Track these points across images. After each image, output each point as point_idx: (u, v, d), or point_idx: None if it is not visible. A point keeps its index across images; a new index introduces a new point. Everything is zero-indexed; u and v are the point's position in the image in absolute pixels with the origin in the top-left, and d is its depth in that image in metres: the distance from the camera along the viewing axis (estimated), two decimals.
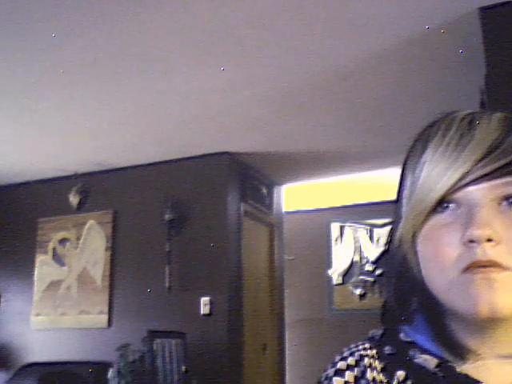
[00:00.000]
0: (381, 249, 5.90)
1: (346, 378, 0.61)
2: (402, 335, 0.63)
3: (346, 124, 4.29)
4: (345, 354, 0.64)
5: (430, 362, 0.59)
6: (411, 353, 0.61)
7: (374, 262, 5.92)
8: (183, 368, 4.07)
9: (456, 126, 0.59)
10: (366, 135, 4.51)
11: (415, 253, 0.61)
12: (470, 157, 0.56)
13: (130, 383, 3.93)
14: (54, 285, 5.13)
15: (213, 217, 4.68)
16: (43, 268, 5.22)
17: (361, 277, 5.96)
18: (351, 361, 0.63)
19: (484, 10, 2.73)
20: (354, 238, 6.08)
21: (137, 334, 4.25)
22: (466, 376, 0.58)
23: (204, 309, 4.50)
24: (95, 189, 5.20)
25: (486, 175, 0.56)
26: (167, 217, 4.67)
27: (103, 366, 4.36)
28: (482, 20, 2.73)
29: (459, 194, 0.57)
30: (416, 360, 0.60)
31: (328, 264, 6.09)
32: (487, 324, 0.56)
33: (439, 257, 0.57)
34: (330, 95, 3.79)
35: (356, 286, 5.96)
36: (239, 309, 4.68)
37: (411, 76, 3.51)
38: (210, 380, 4.27)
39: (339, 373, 0.62)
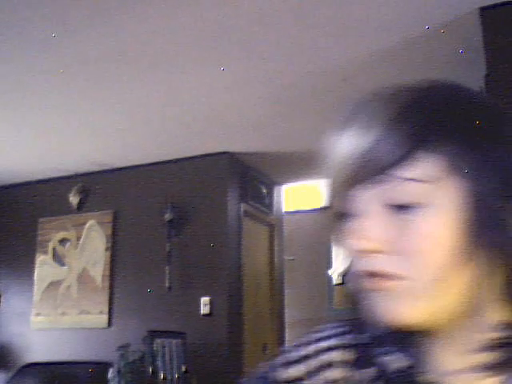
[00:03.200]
0: None
1: (298, 372, 0.58)
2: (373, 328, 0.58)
3: None
4: (307, 339, 0.60)
5: (393, 362, 0.55)
6: (380, 350, 0.56)
7: None
8: (183, 368, 4.07)
9: (352, 120, 0.54)
10: None
11: None
12: (348, 160, 0.51)
13: (130, 383, 3.93)
14: (54, 285, 5.13)
15: (213, 217, 4.68)
16: (43, 268, 5.22)
17: None
18: (307, 352, 0.59)
19: (484, 9, 2.73)
20: None
21: (137, 334, 4.25)
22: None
23: (204, 309, 4.50)
24: (95, 189, 5.20)
25: (365, 178, 0.50)
26: (167, 217, 4.67)
27: (103, 366, 4.36)
28: (482, 20, 2.74)
29: (347, 202, 0.51)
30: (381, 358, 0.55)
31: (328, 264, 6.09)
32: (425, 337, 0.52)
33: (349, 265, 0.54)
34: (330, 95, 3.79)
35: None
36: (239, 309, 4.68)
37: (411, 76, 3.50)
38: (209, 380, 4.27)
39: (292, 364, 0.59)
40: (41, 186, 5.44)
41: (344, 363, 0.57)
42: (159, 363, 3.97)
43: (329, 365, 0.57)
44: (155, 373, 3.94)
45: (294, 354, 0.59)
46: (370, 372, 0.55)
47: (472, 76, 3.21)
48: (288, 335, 5.67)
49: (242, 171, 5.00)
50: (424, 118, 0.49)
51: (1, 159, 4.97)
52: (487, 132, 0.50)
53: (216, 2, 2.76)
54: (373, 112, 0.52)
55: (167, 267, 4.64)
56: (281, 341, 5.43)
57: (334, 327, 0.61)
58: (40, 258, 5.26)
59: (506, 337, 0.49)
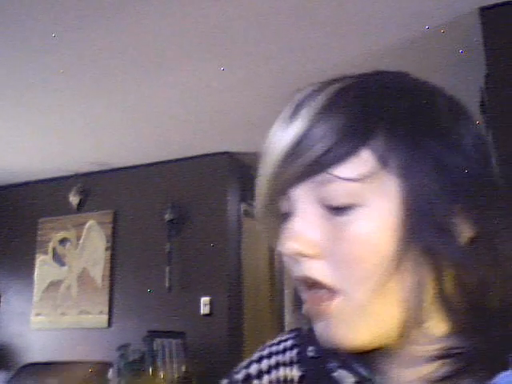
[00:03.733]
0: None
1: None
2: None
3: None
4: (264, 352, 0.57)
5: (346, 378, 0.51)
6: (330, 364, 0.52)
7: None
8: (183, 368, 4.07)
9: (286, 111, 0.51)
10: None
11: None
12: (279, 155, 0.48)
13: (130, 383, 3.93)
14: (53, 285, 5.13)
15: (213, 217, 4.68)
16: (43, 268, 5.22)
17: None
18: (266, 366, 0.56)
19: (484, 9, 2.73)
20: None
21: (137, 333, 4.25)
22: None
23: (204, 309, 4.50)
24: (95, 189, 5.20)
25: (300, 178, 0.46)
26: (167, 217, 4.66)
27: (103, 366, 4.36)
28: (482, 20, 2.74)
29: (282, 201, 0.48)
30: (334, 374, 0.51)
31: None
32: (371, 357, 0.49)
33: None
34: None
35: None
36: (239, 309, 4.68)
37: None
38: (209, 380, 4.27)
39: (247, 379, 0.56)
40: (41, 185, 5.44)
41: (293, 380, 0.54)
42: (159, 363, 3.97)
43: (282, 381, 0.55)
44: (155, 373, 3.94)
45: (253, 370, 0.56)
46: None
47: (472, 76, 3.22)
48: None
49: (242, 171, 4.99)
50: (356, 111, 0.46)
51: (1, 159, 4.97)
52: (428, 127, 0.46)
53: (216, 2, 2.76)
54: (306, 105, 0.49)
55: (167, 267, 4.64)
56: None
57: (281, 341, 0.58)
58: (40, 258, 5.25)
59: (449, 348, 0.46)
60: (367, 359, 0.50)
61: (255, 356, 0.58)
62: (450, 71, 3.40)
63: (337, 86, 0.49)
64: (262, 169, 0.52)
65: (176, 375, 4.03)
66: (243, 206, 4.92)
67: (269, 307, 5.32)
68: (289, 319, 5.72)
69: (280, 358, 0.56)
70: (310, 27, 2.98)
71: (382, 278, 0.44)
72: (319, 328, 0.47)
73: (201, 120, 4.19)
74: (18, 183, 5.53)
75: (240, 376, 0.57)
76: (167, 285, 4.62)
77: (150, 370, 3.94)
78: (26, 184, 5.51)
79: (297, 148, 0.46)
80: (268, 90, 3.70)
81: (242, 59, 3.31)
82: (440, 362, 0.46)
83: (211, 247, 4.59)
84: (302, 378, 0.54)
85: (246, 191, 5.00)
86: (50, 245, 5.24)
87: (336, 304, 0.45)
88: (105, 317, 4.85)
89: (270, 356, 0.57)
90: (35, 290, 5.19)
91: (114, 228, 5.02)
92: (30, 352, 5.02)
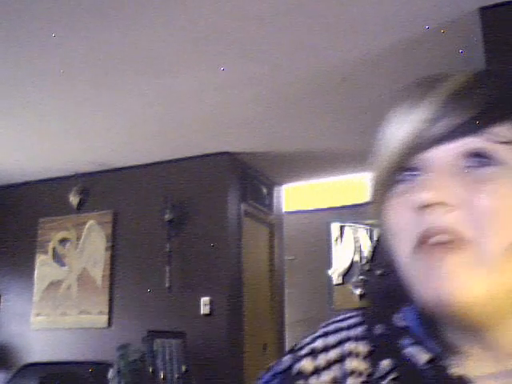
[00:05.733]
0: None
1: (318, 362, 0.53)
2: (396, 317, 0.53)
3: (346, 124, 4.29)
4: (330, 328, 0.56)
5: (419, 356, 0.50)
6: (401, 341, 0.51)
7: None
8: (183, 368, 4.07)
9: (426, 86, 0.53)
10: (365, 135, 4.50)
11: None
12: (421, 118, 0.49)
13: (130, 383, 3.94)
14: (54, 285, 5.13)
15: (213, 217, 4.68)
16: (43, 268, 5.22)
17: (361, 277, 5.96)
18: (332, 341, 0.54)
19: (484, 9, 2.73)
20: (354, 238, 6.08)
21: (137, 334, 4.25)
22: (460, 379, 0.48)
23: (204, 309, 4.50)
24: (95, 189, 5.20)
25: (442, 137, 0.48)
26: (167, 217, 4.66)
27: (103, 366, 4.36)
28: (482, 20, 2.74)
29: (416, 160, 0.49)
30: (405, 350, 0.51)
31: (328, 264, 6.09)
32: (464, 322, 0.47)
33: (393, 231, 0.49)
34: (329, 95, 3.79)
35: (356, 286, 5.96)
36: (239, 309, 4.68)
37: (411, 76, 3.50)
38: (209, 380, 4.27)
39: (312, 353, 0.54)
40: (41, 185, 5.44)
41: (358, 355, 0.53)
42: (159, 363, 3.97)
43: (346, 355, 0.54)
44: (155, 373, 3.94)
45: (318, 345, 0.55)
46: (385, 364, 0.51)
47: None
48: (288, 335, 5.67)
49: (242, 171, 4.99)
50: (502, 87, 0.50)
51: (1, 159, 4.97)
52: None
53: (215, 2, 2.76)
54: (435, 89, 0.52)
55: (167, 267, 4.64)
56: (281, 341, 5.43)
57: (344, 319, 0.58)
58: (40, 258, 5.25)
59: None
60: (447, 339, 0.50)
61: (320, 332, 0.56)
62: (450, 71, 3.39)
63: (468, 73, 0.53)
64: (389, 133, 0.54)
65: (176, 375, 4.03)
66: (243, 206, 4.92)
67: (269, 307, 5.32)
68: (289, 318, 5.72)
69: (346, 333, 0.55)
70: (310, 27, 2.98)
71: None
72: (430, 280, 0.46)
73: (201, 120, 4.19)
74: (18, 183, 5.53)
75: (304, 351, 0.55)
76: (167, 285, 4.62)
77: (150, 370, 3.94)
78: (26, 184, 5.51)
79: (437, 113, 0.48)
80: (268, 90, 3.70)
81: (241, 59, 3.31)
82: None
83: (211, 247, 4.59)
84: (370, 353, 0.53)
85: (246, 191, 5.00)
86: (50, 245, 5.24)
87: (464, 252, 0.45)
88: (105, 317, 4.85)
89: (336, 331, 0.56)
90: (35, 290, 5.19)
91: (114, 228, 5.02)
92: (30, 352, 5.02)
